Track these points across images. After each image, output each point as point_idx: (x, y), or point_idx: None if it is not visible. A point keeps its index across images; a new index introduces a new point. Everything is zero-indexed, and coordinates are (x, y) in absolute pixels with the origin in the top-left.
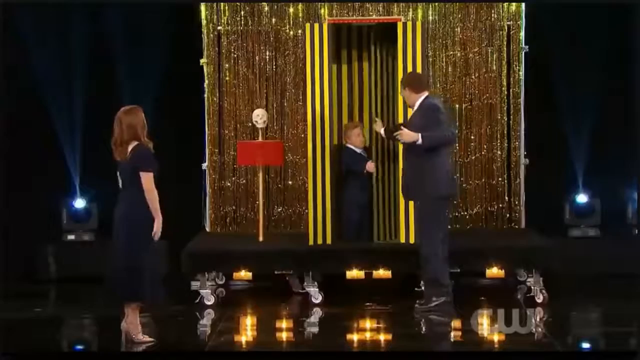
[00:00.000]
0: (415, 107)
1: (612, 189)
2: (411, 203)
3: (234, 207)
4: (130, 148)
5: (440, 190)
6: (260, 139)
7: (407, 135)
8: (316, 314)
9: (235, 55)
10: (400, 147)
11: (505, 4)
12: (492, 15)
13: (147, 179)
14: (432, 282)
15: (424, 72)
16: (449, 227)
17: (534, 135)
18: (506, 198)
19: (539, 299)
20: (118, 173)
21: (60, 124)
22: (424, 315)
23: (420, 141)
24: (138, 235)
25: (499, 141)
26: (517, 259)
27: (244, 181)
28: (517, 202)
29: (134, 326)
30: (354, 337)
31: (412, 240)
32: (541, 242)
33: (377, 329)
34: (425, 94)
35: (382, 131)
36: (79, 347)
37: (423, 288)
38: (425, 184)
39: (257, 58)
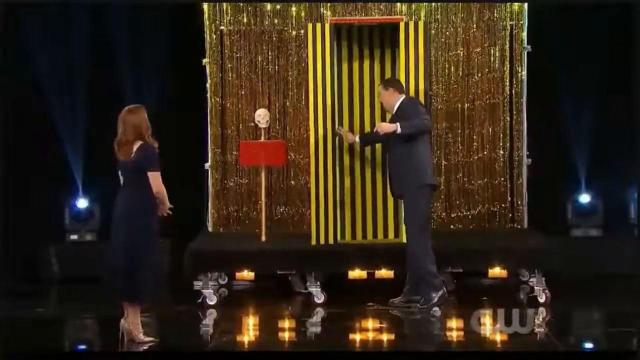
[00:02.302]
0: (395, 109)
1: (614, 189)
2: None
3: (236, 207)
4: (135, 148)
5: (424, 179)
6: (262, 138)
7: (386, 126)
8: (318, 314)
9: (238, 55)
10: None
11: (508, 4)
12: (495, 15)
13: (156, 178)
14: (427, 278)
15: (426, 72)
16: (451, 227)
17: (536, 135)
18: (509, 198)
19: (542, 298)
20: (119, 172)
21: (63, 124)
22: (428, 313)
23: (399, 130)
24: (138, 234)
25: (501, 141)
26: (519, 259)
27: (247, 181)
28: (519, 202)
29: (135, 326)
30: (357, 337)
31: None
32: (543, 242)
33: (379, 329)
34: (404, 96)
35: (357, 139)
36: (81, 347)
37: (407, 288)
38: (410, 175)
39: (259, 58)
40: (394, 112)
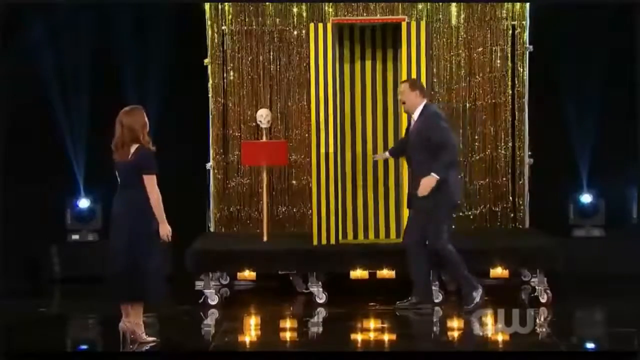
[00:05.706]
0: (417, 114)
1: (616, 189)
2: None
3: (238, 207)
4: (132, 149)
5: (455, 198)
6: (264, 138)
7: (428, 184)
8: (320, 314)
9: (240, 55)
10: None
11: (510, 4)
12: (497, 15)
13: (151, 182)
14: (465, 281)
15: (428, 72)
16: (453, 227)
17: (538, 135)
18: (510, 198)
19: (543, 299)
20: (116, 173)
21: (64, 124)
22: (473, 312)
23: (437, 177)
24: (137, 235)
25: (503, 141)
26: (521, 259)
27: (248, 181)
28: (521, 202)
29: (138, 326)
30: (358, 337)
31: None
32: (545, 242)
33: (381, 329)
34: (426, 101)
35: (387, 154)
36: (82, 347)
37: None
38: (438, 195)
39: (261, 58)
40: (416, 118)
